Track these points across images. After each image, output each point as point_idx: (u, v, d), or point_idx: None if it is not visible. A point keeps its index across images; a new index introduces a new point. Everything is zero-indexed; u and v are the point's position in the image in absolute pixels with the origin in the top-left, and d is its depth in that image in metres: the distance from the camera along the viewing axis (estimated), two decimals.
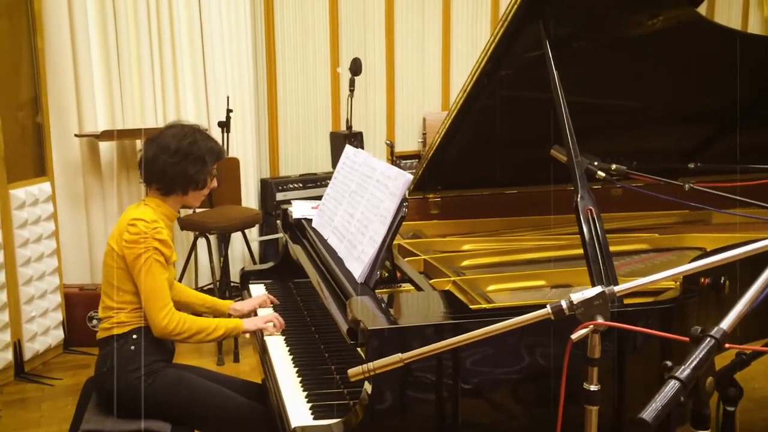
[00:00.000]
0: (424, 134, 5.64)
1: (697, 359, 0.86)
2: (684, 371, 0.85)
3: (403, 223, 2.87)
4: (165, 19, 4.59)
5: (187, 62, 4.73)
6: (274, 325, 2.27)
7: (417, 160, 5.26)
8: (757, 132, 2.90)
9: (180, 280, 4.44)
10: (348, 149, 2.56)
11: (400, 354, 1.31)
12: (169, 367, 2.27)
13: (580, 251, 2.48)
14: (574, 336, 1.25)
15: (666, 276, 1.29)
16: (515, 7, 2.08)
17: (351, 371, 1.31)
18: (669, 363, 0.95)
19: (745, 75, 2.63)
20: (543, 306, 1.45)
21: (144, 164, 2.30)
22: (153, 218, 2.21)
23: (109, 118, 4.48)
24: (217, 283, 4.24)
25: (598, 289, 1.27)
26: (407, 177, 1.94)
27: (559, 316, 1.28)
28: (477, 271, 2.43)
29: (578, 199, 1.87)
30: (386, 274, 2.04)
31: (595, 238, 1.79)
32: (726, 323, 0.91)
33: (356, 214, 2.19)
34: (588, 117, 2.47)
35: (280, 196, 5.09)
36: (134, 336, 2.23)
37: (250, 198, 5.05)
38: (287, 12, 5.28)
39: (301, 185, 5.19)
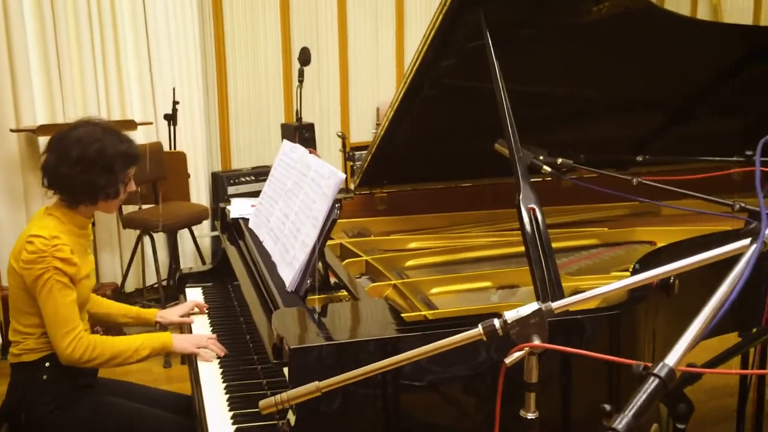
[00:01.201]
0: (378, 124, 5.47)
1: (638, 405, 0.72)
2: (622, 421, 0.70)
3: (349, 220, 2.76)
4: (106, 6, 4.33)
5: (131, 52, 4.48)
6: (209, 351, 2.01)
7: None
8: (706, 121, 2.80)
9: (124, 280, 4.25)
10: (285, 144, 2.38)
11: (317, 382, 1.15)
12: (85, 396, 2.03)
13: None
14: (508, 360, 1.10)
15: (612, 289, 1.14)
16: None
17: (262, 403, 1.15)
18: (607, 407, 0.80)
19: (695, 63, 2.51)
20: (477, 319, 1.31)
21: (44, 171, 2.02)
22: (53, 233, 1.92)
23: (49, 112, 4.22)
24: (163, 282, 4.03)
25: (534, 306, 1.13)
26: (340, 177, 1.78)
27: (492, 337, 1.13)
28: (421, 271, 2.28)
29: (520, 198, 1.72)
30: (316, 283, 1.87)
31: (537, 240, 1.64)
32: (672, 358, 0.77)
33: (291, 215, 2.02)
34: (534, 108, 2.33)
35: (231, 190, 4.88)
36: (47, 364, 1.98)
37: (200, 192, 4.84)
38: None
39: (253, 178, 4.98)
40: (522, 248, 2.37)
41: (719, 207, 1.99)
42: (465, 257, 2.39)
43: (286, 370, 1.47)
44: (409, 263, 2.32)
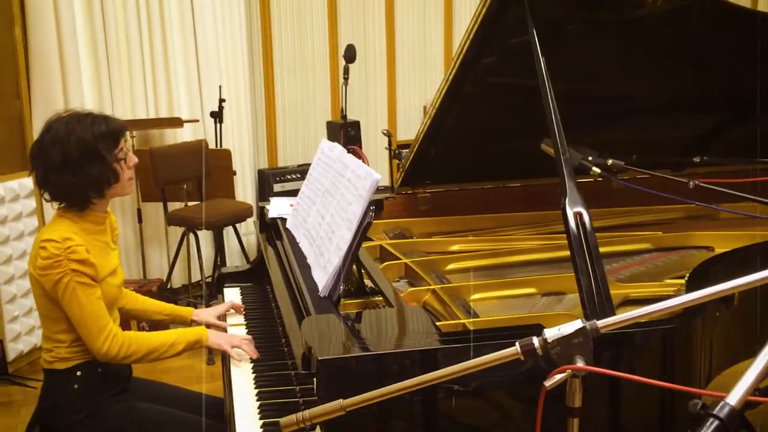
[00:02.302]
0: None
1: None
2: None
3: (391, 220, 2.67)
4: (154, 4, 4.33)
5: (179, 49, 4.46)
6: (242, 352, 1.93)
7: None
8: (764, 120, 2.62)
9: (170, 277, 4.24)
10: (323, 143, 2.31)
11: (341, 400, 1.06)
12: (117, 402, 1.97)
13: None
14: (548, 383, 1.00)
15: (665, 308, 1.02)
16: None
17: (283, 421, 1.07)
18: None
19: (754, 58, 2.34)
20: (519, 330, 1.21)
21: (40, 188, 1.92)
22: (65, 236, 1.83)
23: (97, 110, 4.23)
24: (208, 279, 4.01)
25: (578, 324, 1.02)
26: (375, 177, 1.69)
27: (531, 357, 1.03)
28: (462, 276, 2.17)
29: (565, 202, 1.60)
30: (351, 288, 1.79)
31: (584, 247, 1.52)
32: (735, 396, 0.66)
33: (327, 216, 1.94)
34: (582, 106, 2.20)
35: (278, 188, 4.83)
36: (78, 373, 1.92)
37: (247, 190, 4.81)
38: None
39: (299, 176, 4.91)
40: (568, 252, 2.29)
41: None
42: (509, 261, 2.28)
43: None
44: (450, 267, 2.22)
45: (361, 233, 1.65)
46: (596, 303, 1.48)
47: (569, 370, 1.00)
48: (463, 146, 2.38)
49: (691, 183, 2.02)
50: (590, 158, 1.97)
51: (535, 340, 1.03)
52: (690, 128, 2.57)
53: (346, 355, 1.33)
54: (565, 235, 2.37)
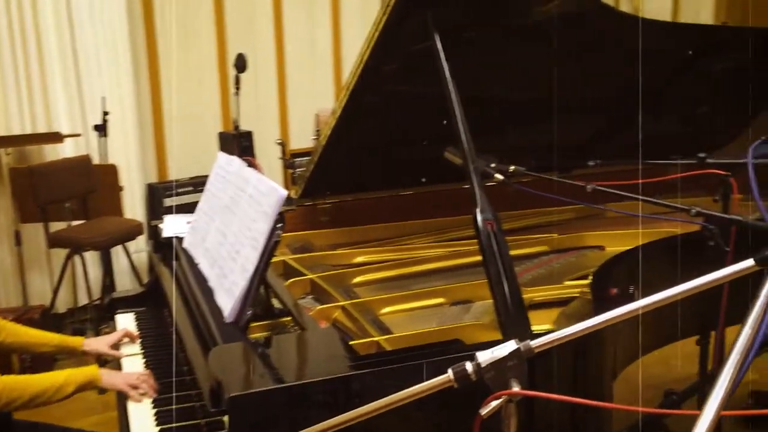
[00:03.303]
0: (318, 131, 5.26)
1: None
2: None
3: (292, 233, 2.55)
4: (27, 11, 3.99)
5: (56, 62, 4.13)
6: (141, 390, 1.73)
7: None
8: (658, 122, 2.69)
9: (53, 302, 3.92)
10: (220, 156, 2.16)
11: None
12: None
13: (479, 258, 2.23)
14: (484, 411, 0.92)
15: (602, 322, 0.97)
16: None
17: None
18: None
19: (644, 63, 2.39)
20: (435, 347, 1.13)
21: None
22: None
23: None
24: (97, 302, 3.73)
25: (511, 345, 0.95)
26: (281, 194, 1.57)
27: (465, 383, 0.95)
28: (370, 288, 2.09)
29: (477, 212, 1.54)
30: (258, 311, 1.66)
31: (498, 259, 1.47)
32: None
33: (229, 234, 1.80)
34: (482, 112, 2.17)
35: (169, 202, 4.58)
36: None
37: (135, 206, 4.53)
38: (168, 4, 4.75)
39: (191, 188, 4.68)
40: (473, 259, 2.25)
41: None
42: (415, 270, 2.21)
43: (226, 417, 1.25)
44: (357, 280, 2.13)
45: (269, 252, 1.53)
46: (513, 316, 1.43)
47: (506, 396, 0.93)
48: (366, 155, 2.29)
49: (588, 187, 2.03)
50: (493, 165, 1.94)
51: (468, 366, 0.95)
52: (585, 131, 2.60)
53: (260, 389, 1.21)
54: (466, 242, 2.38)
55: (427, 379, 1.09)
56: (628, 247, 2.15)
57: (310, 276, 2.04)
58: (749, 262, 0.92)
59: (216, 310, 1.61)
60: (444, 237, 2.50)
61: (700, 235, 1.90)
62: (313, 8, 5.20)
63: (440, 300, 1.98)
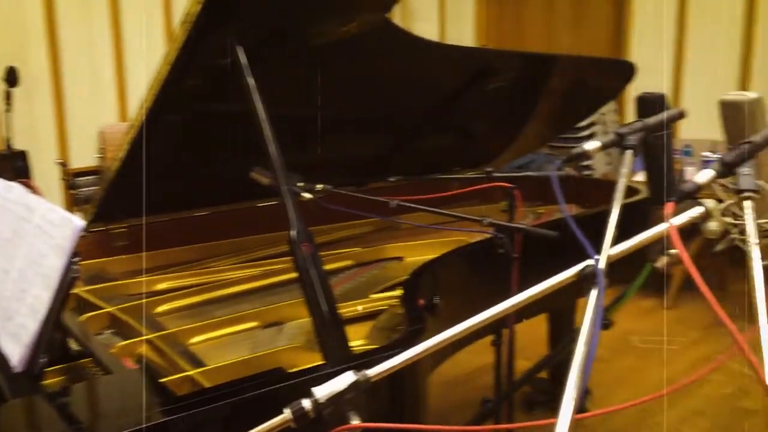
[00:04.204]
0: (102, 148, 4.85)
1: None
2: None
3: (83, 262, 2.28)
4: None
5: None
6: None
7: (97, 176, 4.48)
8: (444, 138, 2.82)
9: None
10: None
11: None
12: None
13: (288, 276, 2.16)
14: None
15: (433, 345, 0.95)
16: (196, 10, 1.62)
17: None
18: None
19: (434, 81, 2.48)
20: (255, 379, 1.05)
21: None
22: None
23: None
24: None
25: (349, 378, 0.90)
26: (77, 225, 1.39)
27: (305, 421, 0.88)
28: (176, 317, 1.94)
29: (293, 235, 1.48)
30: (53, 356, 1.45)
31: (317, 284, 1.41)
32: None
33: (12, 271, 1.56)
34: (287, 130, 2.12)
35: None
36: None
37: None
38: None
39: None
40: (282, 277, 2.18)
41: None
42: (224, 294, 2.09)
43: None
44: (161, 309, 1.97)
45: (64, 291, 1.34)
46: (333, 339, 1.38)
47: None
48: (167, 174, 2.12)
49: (392, 202, 2.05)
50: (301, 184, 1.89)
51: (306, 403, 0.89)
52: (382, 147, 2.64)
53: None
54: (274, 260, 2.30)
55: (253, 414, 1.01)
56: (426, 257, 2.20)
57: (108, 309, 1.85)
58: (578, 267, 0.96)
59: (2, 360, 1.38)
60: (252, 256, 2.40)
61: (491, 243, 1.99)
62: (90, 17, 4.79)
63: (252, 324, 1.88)
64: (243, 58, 1.61)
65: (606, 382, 3.42)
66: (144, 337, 1.67)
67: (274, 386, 1.24)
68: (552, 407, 3.03)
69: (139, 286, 2.11)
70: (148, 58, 4.99)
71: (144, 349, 1.64)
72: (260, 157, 1.62)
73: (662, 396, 1.06)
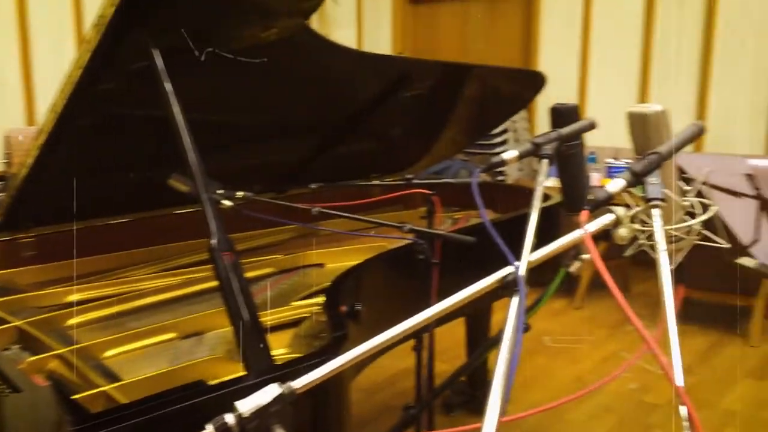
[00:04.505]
0: (8, 154, 4.60)
1: None
2: None
3: None
4: None
5: None
6: None
7: (2, 182, 4.24)
8: (363, 144, 2.82)
9: None
10: None
11: None
12: None
13: (207, 285, 2.10)
14: None
15: (362, 353, 0.94)
16: (110, 12, 1.55)
17: None
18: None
19: (354, 90, 2.48)
20: (175, 393, 1.01)
21: None
22: None
23: None
24: None
25: (274, 390, 0.88)
26: None
27: None
28: (89, 329, 1.85)
29: (214, 242, 1.43)
30: None
31: (237, 292, 1.38)
32: None
33: None
34: (207, 136, 2.06)
35: None
36: None
37: None
38: None
39: None
40: (202, 286, 2.12)
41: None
42: (140, 305, 2.01)
43: None
44: (74, 321, 1.87)
45: None
46: (255, 349, 1.35)
47: None
48: (80, 181, 2.02)
49: (314, 210, 2.03)
50: (221, 192, 1.84)
51: (229, 418, 0.86)
52: (303, 154, 2.61)
53: None
54: (196, 268, 2.24)
55: (173, 430, 0.97)
56: (347, 263, 2.19)
57: (16, 322, 1.74)
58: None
59: None
60: (171, 265, 2.32)
61: (411, 249, 2.00)
62: None
63: (171, 335, 1.82)
64: (160, 62, 1.56)
65: (520, 382, 3.50)
66: (55, 352, 1.58)
67: (195, 400, 1.20)
68: (470, 408, 3.09)
69: (49, 297, 2.00)
70: (57, 59, 4.78)
71: (55, 365, 1.56)
72: (179, 163, 1.57)
73: (581, 396, 1.08)
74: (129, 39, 1.59)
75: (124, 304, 1.98)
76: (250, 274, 2.29)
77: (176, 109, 1.56)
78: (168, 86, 1.57)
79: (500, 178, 5.37)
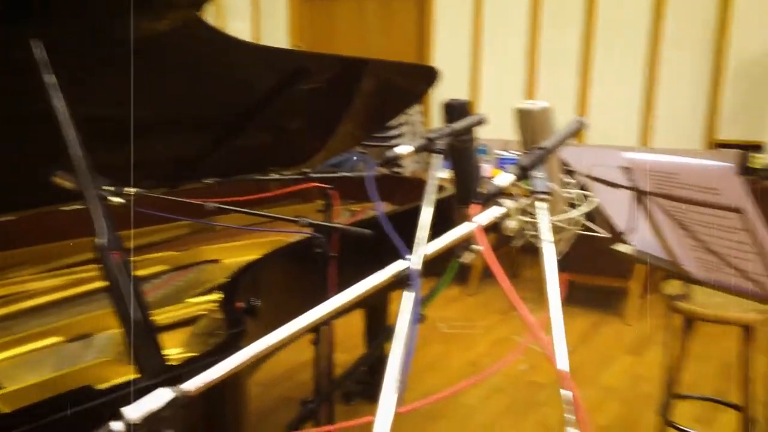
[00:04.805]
0: None
1: None
2: None
3: None
4: None
5: None
6: None
7: None
8: (259, 138, 2.76)
9: None
10: None
11: None
12: None
13: (96, 285, 2.00)
14: None
15: (258, 352, 0.92)
16: None
17: None
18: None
19: (249, 83, 2.42)
20: (64, 398, 0.95)
21: None
22: None
23: None
24: None
25: (165, 395, 0.84)
26: None
27: None
28: None
29: (102, 243, 1.36)
30: None
31: (128, 293, 1.31)
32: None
33: None
34: (96, 131, 1.95)
35: None
36: None
37: None
38: None
39: None
40: (90, 286, 2.01)
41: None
42: (23, 308, 1.88)
43: None
44: None
45: None
46: (146, 351, 1.30)
47: None
48: None
49: (208, 205, 1.98)
50: (112, 188, 1.75)
51: (118, 426, 0.81)
52: (197, 147, 2.53)
53: None
54: (78, 269, 2.12)
55: None
56: (244, 258, 2.15)
57: None
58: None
59: None
60: (57, 265, 2.19)
61: (309, 243, 1.99)
62: None
63: (57, 338, 1.72)
64: (41, 54, 1.45)
65: (416, 369, 3.57)
66: None
67: (82, 406, 1.13)
68: (369, 396, 3.11)
69: None
70: None
71: None
72: (66, 159, 1.48)
73: (477, 381, 1.11)
74: (4, 28, 1.47)
75: (6, 308, 1.85)
76: (142, 272, 2.20)
77: (60, 102, 1.46)
78: (50, 79, 1.47)
79: (397, 170, 5.42)
